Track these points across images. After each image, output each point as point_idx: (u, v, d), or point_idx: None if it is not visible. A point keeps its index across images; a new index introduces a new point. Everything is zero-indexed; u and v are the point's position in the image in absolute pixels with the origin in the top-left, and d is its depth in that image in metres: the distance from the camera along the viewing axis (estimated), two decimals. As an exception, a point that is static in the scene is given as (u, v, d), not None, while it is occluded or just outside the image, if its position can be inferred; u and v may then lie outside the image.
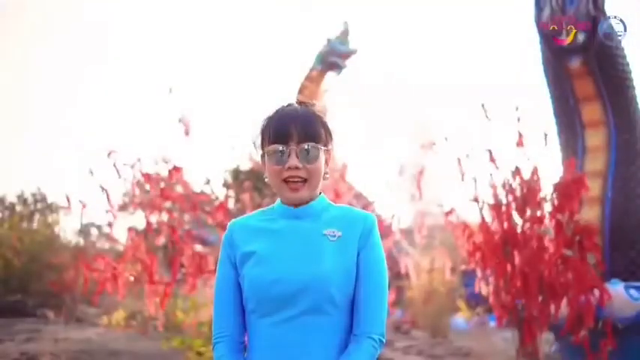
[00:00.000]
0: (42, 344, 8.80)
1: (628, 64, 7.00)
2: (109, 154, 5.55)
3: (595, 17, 6.59)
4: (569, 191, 5.92)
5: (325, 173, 1.93)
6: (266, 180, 1.96)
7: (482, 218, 6.18)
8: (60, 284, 11.69)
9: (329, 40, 18.29)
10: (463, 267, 6.47)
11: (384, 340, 1.87)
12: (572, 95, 7.03)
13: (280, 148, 1.85)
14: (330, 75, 18.12)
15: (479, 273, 6.31)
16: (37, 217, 17.42)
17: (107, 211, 5.81)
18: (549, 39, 6.92)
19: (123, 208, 7.84)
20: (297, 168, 1.85)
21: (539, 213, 5.98)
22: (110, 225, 5.78)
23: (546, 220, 5.96)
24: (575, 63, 6.80)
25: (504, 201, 6.14)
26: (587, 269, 5.54)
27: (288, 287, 1.81)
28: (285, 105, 1.96)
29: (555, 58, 6.99)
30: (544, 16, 6.88)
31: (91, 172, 5.84)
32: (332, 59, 18.11)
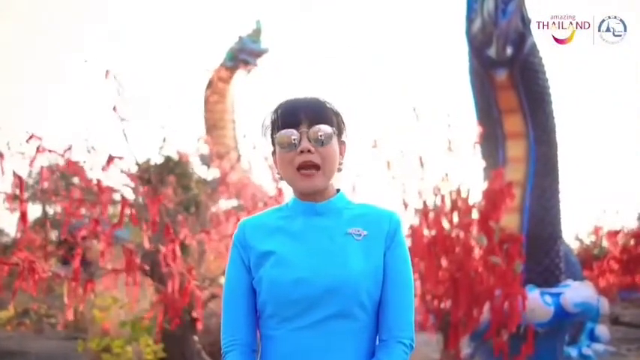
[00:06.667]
0: None
1: (547, 80, 7.32)
2: (30, 139, 5.09)
3: (522, 33, 6.85)
4: (495, 199, 6.08)
5: (340, 164, 1.79)
6: (278, 177, 1.80)
7: (412, 223, 6.22)
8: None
9: (240, 38, 18.05)
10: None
11: (414, 345, 1.76)
12: (495, 106, 7.25)
13: (291, 132, 1.71)
14: (241, 72, 17.92)
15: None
16: None
17: (22, 202, 5.34)
18: (478, 50, 7.12)
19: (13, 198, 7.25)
20: (309, 151, 1.70)
21: (466, 219, 6.10)
22: (23, 215, 5.29)
23: (474, 227, 6.07)
24: (501, 75, 7.03)
25: (433, 206, 6.21)
26: (512, 276, 5.70)
27: (314, 289, 1.65)
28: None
29: (482, 69, 7.18)
30: (474, 28, 7.08)
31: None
32: (243, 57, 17.93)
